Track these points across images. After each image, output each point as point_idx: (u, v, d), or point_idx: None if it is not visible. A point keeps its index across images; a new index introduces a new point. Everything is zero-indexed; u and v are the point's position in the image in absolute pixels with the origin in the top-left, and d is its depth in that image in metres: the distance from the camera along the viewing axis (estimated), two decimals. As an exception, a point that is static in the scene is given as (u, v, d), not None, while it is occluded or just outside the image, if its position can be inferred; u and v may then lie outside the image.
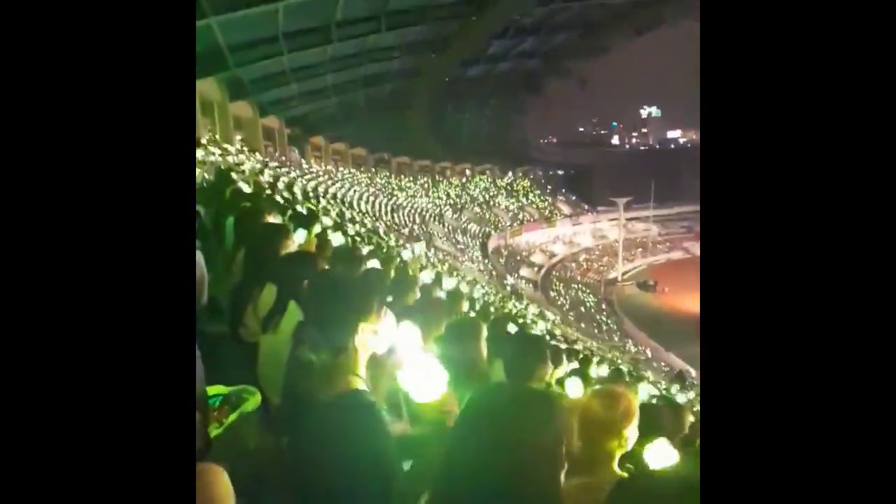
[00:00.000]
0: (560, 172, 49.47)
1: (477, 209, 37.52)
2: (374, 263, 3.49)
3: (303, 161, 21.09)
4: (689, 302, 30.08)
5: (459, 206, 36.06)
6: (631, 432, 1.55)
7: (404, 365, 1.28)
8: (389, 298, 2.08)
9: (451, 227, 32.57)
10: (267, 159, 15.47)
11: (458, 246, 29.84)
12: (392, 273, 3.40)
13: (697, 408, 10.27)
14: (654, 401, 5.06)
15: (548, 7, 18.01)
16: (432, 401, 1.20)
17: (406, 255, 5.94)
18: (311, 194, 13.26)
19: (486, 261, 30.30)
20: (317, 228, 4.29)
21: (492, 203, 39.50)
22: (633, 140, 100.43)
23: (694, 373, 18.87)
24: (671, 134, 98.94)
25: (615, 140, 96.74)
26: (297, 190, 10.67)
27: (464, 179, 39.76)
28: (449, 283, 5.63)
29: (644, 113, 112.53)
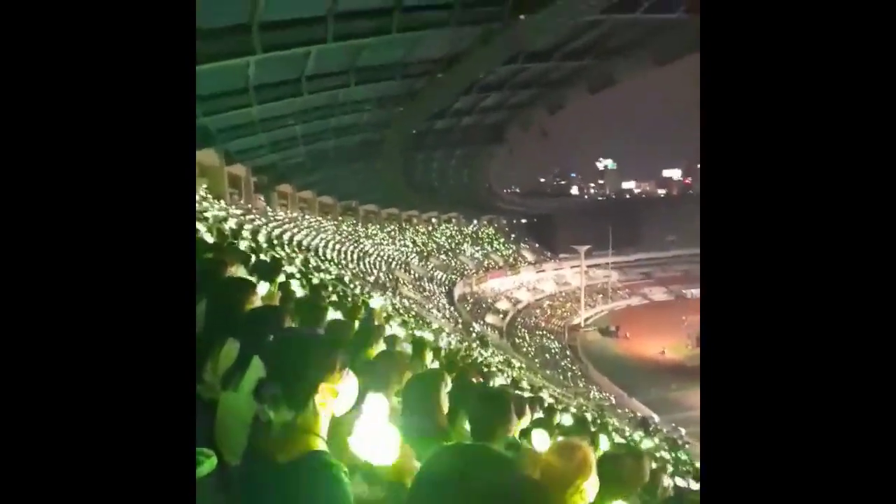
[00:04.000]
0: (523, 221, 50.74)
1: (443, 256, 37.75)
2: (337, 315, 3.48)
3: (268, 209, 20.87)
4: (649, 347, 30.64)
5: (426, 253, 36.24)
6: (589, 484, 1.60)
7: (358, 431, 1.27)
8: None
9: (417, 275, 32.53)
10: (231, 206, 15.27)
11: (425, 293, 29.73)
12: (356, 324, 3.39)
13: (660, 453, 10.37)
14: (615, 449, 5.09)
15: (510, 67, 19.16)
16: (389, 463, 1.19)
17: (373, 303, 5.91)
18: (275, 242, 13.09)
19: (453, 308, 30.21)
20: (280, 278, 4.25)
21: (457, 251, 39.89)
22: (591, 190, 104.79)
23: (657, 418, 19.05)
24: (626, 185, 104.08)
25: (574, 190, 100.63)
26: (261, 238, 10.54)
27: (430, 227, 40.18)
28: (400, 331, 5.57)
29: (601, 165, 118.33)
